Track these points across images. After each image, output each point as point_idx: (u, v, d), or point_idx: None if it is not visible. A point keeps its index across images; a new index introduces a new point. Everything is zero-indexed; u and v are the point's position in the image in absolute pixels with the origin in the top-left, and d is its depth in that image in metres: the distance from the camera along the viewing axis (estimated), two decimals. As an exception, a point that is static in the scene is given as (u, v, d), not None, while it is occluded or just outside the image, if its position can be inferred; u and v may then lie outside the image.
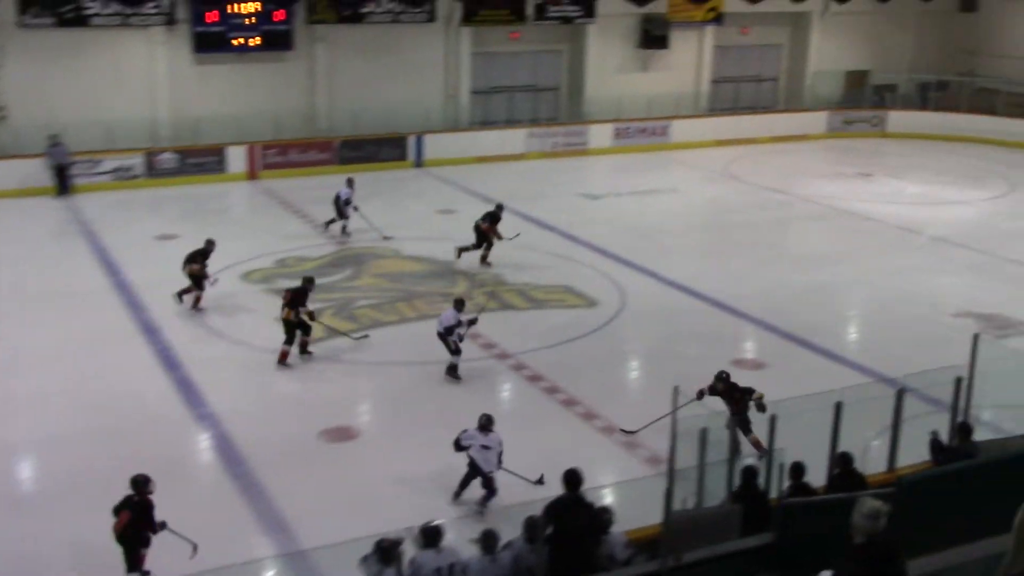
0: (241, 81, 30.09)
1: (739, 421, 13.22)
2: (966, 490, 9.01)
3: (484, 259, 21.58)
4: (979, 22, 39.40)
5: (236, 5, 29.11)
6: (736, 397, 13.50)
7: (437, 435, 14.23)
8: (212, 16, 29.06)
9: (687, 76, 36.69)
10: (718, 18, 35.66)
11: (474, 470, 12.46)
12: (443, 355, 16.48)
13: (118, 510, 10.26)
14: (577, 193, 28.47)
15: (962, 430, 11.48)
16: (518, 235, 21.95)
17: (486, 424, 12.44)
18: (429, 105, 32.32)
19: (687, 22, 35.19)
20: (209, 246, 18.94)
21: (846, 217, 26.64)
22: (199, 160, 28.81)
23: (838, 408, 11.27)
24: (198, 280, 18.64)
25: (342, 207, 23.58)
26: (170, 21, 28.72)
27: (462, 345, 15.97)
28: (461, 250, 21.48)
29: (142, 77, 29.06)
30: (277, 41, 30.08)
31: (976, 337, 12.75)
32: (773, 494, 10.28)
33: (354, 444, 14.09)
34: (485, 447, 12.37)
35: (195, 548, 10.32)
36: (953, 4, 38.02)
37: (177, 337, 17.48)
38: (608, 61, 35.14)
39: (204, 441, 14.20)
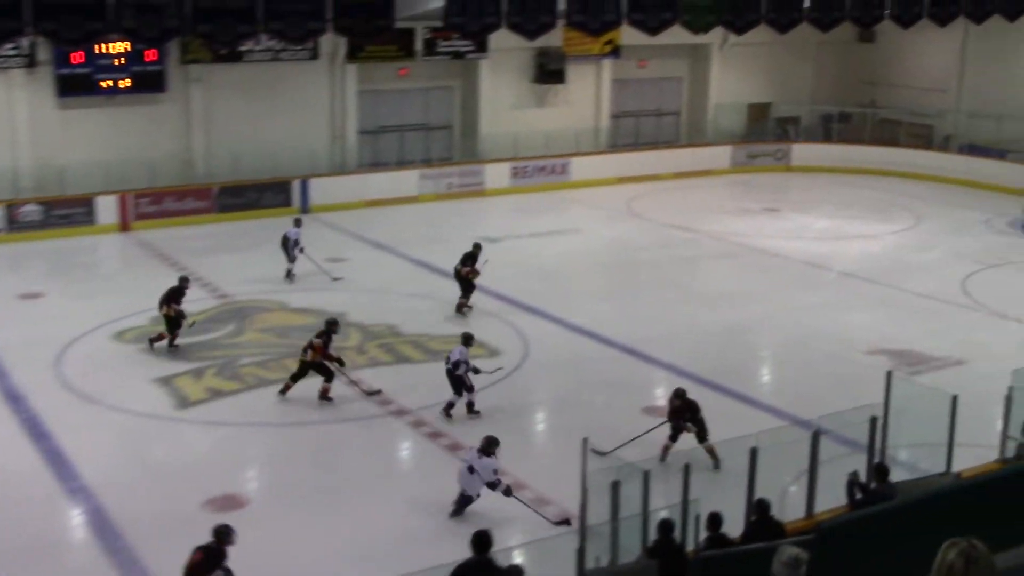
0: (111, 126, 29.62)
1: (698, 433, 14.87)
2: (886, 533, 9.20)
3: (460, 308, 21.61)
4: (878, 52, 40.87)
5: (103, 45, 28.66)
6: (687, 417, 14.90)
7: (329, 500, 14.08)
8: (77, 57, 28.56)
9: (586, 111, 37.27)
10: (615, 51, 36.32)
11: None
12: (333, 414, 16.35)
13: (197, 550, 10.79)
14: (474, 236, 28.50)
15: (879, 472, 11.76)
16: (486, 262, 22.08)
17: (485, 447, 13.20)
18: (314, 147, 32.21)
19: (583, 55, 35.77)
20: (183, 283, 19.54)
21: (753, 254, 27.22)
22: (66, 211, 28.18)
23: (753, 454, 11.46)
24: (175, 322, 19.10)
25: (291, 249, 23.57)
26: (31, 63, 28.15)
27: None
28: (461, 306, 21.52)
29: (1, 124, 28.39)
30: (149, 82, 29.70)
31: (889, 375, 13.12)
32: (690, 547, 10.38)
33: (242, 513, 13.78)
34: (471, 469, 13.12)
35: None
36: (852, 35, 39.35)
37: (45, 404, 16.98)
38: (503, 97, 35.50)
39: (77, 516, 13.79)
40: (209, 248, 26.60)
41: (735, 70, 39.59)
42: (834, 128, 39.96)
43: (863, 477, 11.95)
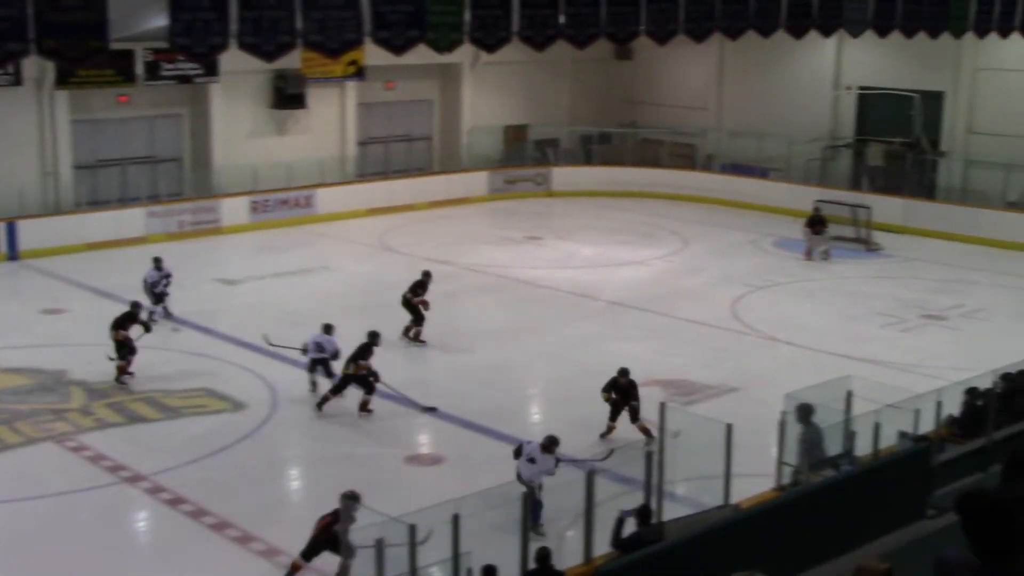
0: None
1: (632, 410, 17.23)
2: (667, 573, 9.57)
3: (417, 336, 22.83)
4: (636, 71, 42.60)
5: None
6: (634, 395, 17.27)
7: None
8: None
9: (330, 138, 37.26)
10: (360, 72, 36.41)
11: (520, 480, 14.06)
12: (58, 484, 15.80)
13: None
14: (212, 279, 28.03)
15: (641, 515, 12.13)
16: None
17: (547, 445, 14.36)
18: (22, 185, 30.91)
19: (325, 78, 35.74)
20: (135, 309, 20.56)
21: (518, 286, 27.79)
22: None
23: (526, 498, 11.67)
24: (126, 347, 19.98)
25: (152, 291, 23.73)
26: None
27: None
28: (418, 334, 22.73)
29: None
30: None
31: (663, 406, 13.65)
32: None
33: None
34: (531, 460, 14.28)
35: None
36: (609, 52, 40.82)
37: None
38: (238, 125, 35.06)
39: None
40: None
41: (489, 91, 40.41)
42: (595, 150, 41.34)
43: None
